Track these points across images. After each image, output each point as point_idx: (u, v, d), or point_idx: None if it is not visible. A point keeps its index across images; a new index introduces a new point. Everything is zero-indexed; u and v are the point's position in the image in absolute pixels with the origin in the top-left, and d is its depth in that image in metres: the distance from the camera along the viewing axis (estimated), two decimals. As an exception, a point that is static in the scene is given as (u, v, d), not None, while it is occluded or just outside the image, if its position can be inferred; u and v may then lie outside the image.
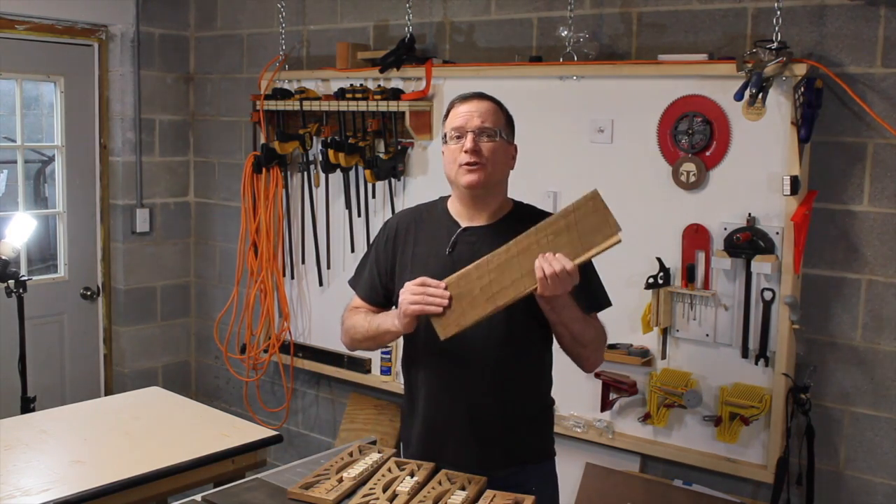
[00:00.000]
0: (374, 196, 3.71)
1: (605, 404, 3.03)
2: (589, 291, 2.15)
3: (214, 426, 2.85)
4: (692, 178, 2.84)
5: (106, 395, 4.43)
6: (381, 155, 3.58)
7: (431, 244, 2.23)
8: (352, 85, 3.63)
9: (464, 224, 2.22)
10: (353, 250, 3.77)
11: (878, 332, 2.66)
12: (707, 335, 2.86)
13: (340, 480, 2.10)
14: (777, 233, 2.70)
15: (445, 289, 2.03)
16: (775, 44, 2.61)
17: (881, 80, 2.59)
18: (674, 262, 2.90)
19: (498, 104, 2.21)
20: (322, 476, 2.14)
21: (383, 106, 3.45)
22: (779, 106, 2.65)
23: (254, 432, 2.80)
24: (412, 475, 2.11)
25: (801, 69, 2.58)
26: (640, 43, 3.04)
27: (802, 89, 2.59)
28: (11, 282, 3.41)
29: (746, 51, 2.71)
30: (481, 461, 2.15)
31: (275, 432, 2.81)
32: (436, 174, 3.47)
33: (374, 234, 2.40)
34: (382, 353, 3.67)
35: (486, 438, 2.18)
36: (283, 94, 3.84)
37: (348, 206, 3.77)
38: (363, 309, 2.33)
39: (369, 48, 3.78)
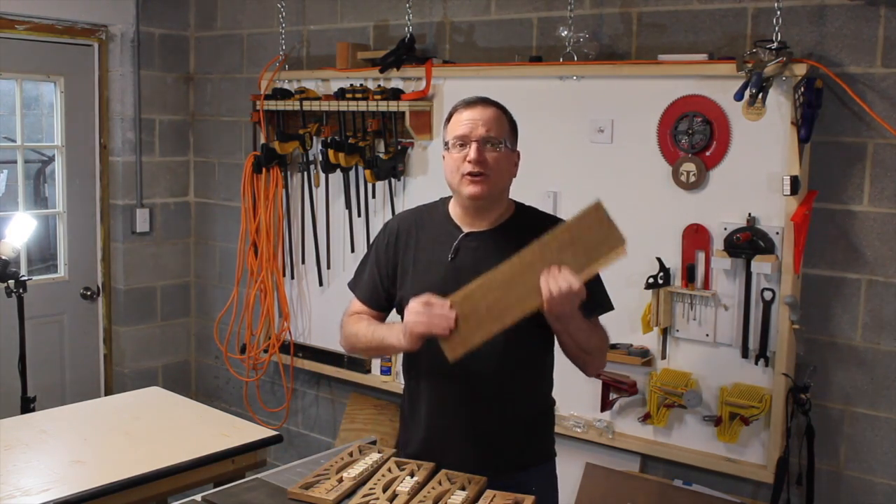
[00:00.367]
0: (374, 196, 3.71)
1: (605, 404, 3.03)
2: (592, 295, 2.10)
3: (214, 426, 2.85)
4: (692, 178, 2.84)
5: (106, 395, 4.43)
6: (381, 155, 3.58)
7: (433, 250, 2.19)
8: (352, 85, 3.63)
9: (466, 229, 2.18)
10: (353, 250, 3.77)
11: (878, 332, 2.66)
12: (707, 335, 2.86)
13: (340, 480, 2.10)
14: (777, 233, 2.70)
15: (451, 308, 1.99)
16: (775, 44, 2.61)
17: (881, 80, 2.59)
18: (674, 262, 2.91)
19: (502, 110, 2.17)
20: (322, 476, 2.14)
21: (383, 106, 3.45)
22: (779, 106, 2.65)
23: (254, 432, 2.80)
24: (412, 475, 2.11)
25: (801, 69, 2.58)
26: (640, 43, 3.04)
27: (802, 89, 2.59)
28: (11, 282, 3.41)
29: (746, 51, 2.71)
30: (483, 466, 2.13)
31: (275, 432, 2.81)
32: (436, 174, 3.47)
33: (374, 234, 2.39)
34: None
35: (489, 443, 2.17)
36: (283, 94, 3.84)
37: (348, 206, 3.77)
38: (365, 316, 2.29)
39: (369, 48, 3.78)
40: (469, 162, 2.08)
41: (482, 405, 2.16)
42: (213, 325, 4.42)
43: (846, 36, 2.63)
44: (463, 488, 2.06)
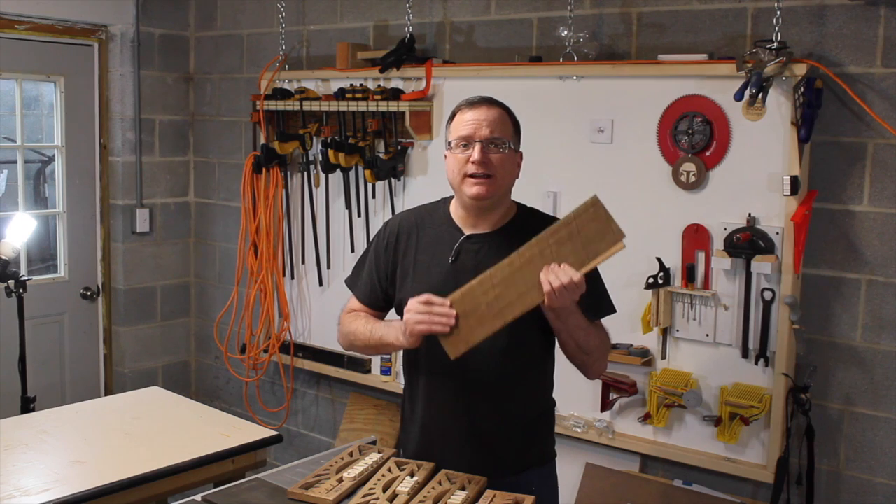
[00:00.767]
0: (374, 196, 3.71)
1: (605, 404, 3.03)
2: (593, 298, 2.10)
3: (214, 426, 2.85)
4: (692, 178, 2.84)
5: (106, 395, 4.43)
6: (381, 155, 3.58)
7: (434, 251, 2.18)
8: (352, 85, 3.63)
9: (467, 231, 2.17)
10: (353, 250, 3.77)
11: (878, 332, 2.66)
12: (707, 335, 2.86)
13: (340, 480, 2.10)
14: (777, 233, 2.70)
15: (451, 306, 1.99)
16: (775, 44, 2.61)
17: (881, 80, 2.59)
18: (674, 262, 2.91)
19: (506, 110, 2.16)
20: (322, 476, 2.14)
21: (383, 106, 3.45)
22: (779, 106, 2.65)
23: (254, 432, 2.80)
24: (412, 475, 2.11)
25: (801, 69, 2.58)
26: (640, 43, 3.04)
27: (802, 89, 2.59)
28: (11, 282, 3.41)
29: (746, 51, 2.71)
30: (483, 468, 2.13)
31: (275, 432, 2.81)
32: (436, 174, 3.47)
33: (373, 234, 2.38)
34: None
35: (488, 445, 2.17)
36: (283, 94, 3.84)
37: (348, 206, 3.77)
38: (363, 314, 2.28)
39: (369, 48, 3.78)
40: (473, 163, 2.07)
41: (482, 406, 2.16)
42: (213, 325, 4.42)
43: (846, 36, 2.63)
44: (463, 488, 2.06)
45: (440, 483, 2.08)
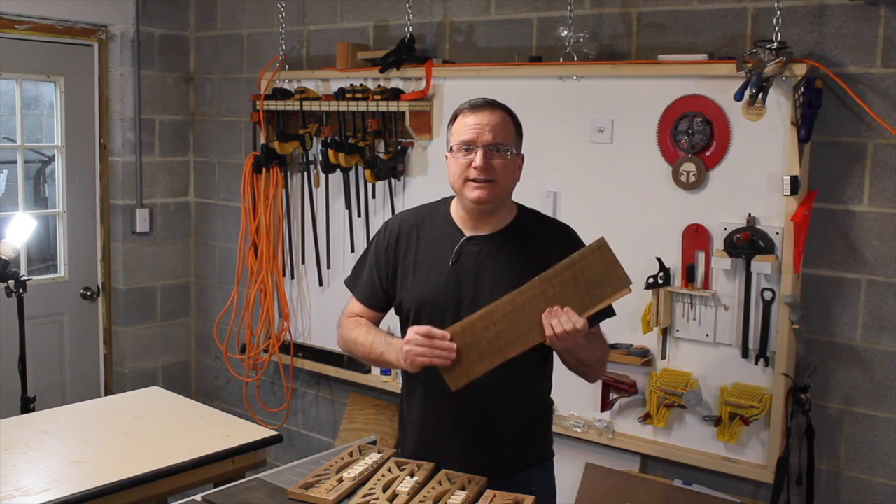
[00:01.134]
0: (374, 196, 3.71)
1: (605, 404, 3.03)
2: None
3: (214, 426, 2.85)
4: (692, 178, 2.84)
5: (106, 395, 4.43)
6: (381, 155, 3.58)
7: (434, 253, 2.18)
8: (352, 85, 3.63)
9: (468, 233, 2.17)
10: (353, 250, 3.77)
11: (878, 332, 2.66)
12: (707, 335, 2.86)
13: (340, 480, 2.10)
14: (777, 233, 2.70)
15: (451, 339, 1.99)
16: (775, 44, 2.61)
17: (881, 80, 2.59)
18: (674, 262, 2.90)
19: (509, 113, 2.15)
20: (322, 476, 2.14)
21: (383, 106, 3.45)
22: (779, 106, 2.65)
23: (254, 432, 2.80)
24: (412, 475, 2.11)
25: (801, 69, 2.58)
26: (640, 43, 3.04)
27: (802, 89, 2.59)
28: (11, 282, 3.41)
29: (746, 51, 2.71)
30: (481, 468, 2.13)
31: (275, 432, 2.81)
32: (436, 174, 3.47)
33: (373, 234, 2.38)
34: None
35: (487, 445, 2.17)
36: (283, 94, 3.84)
37: (348, 206, 3.77)
38: (364, 320, 2.27)
39: (369, 48, 3.78)
40: (475, 168, 2.06)
41: (480, 406, 2.16)
42: (213, 325, 4.42)
43: (846, 36, 2.63)
44: (463, 488, 2.06)
45: (440, 483, 2.08)
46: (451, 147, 2.13)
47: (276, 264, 4.04)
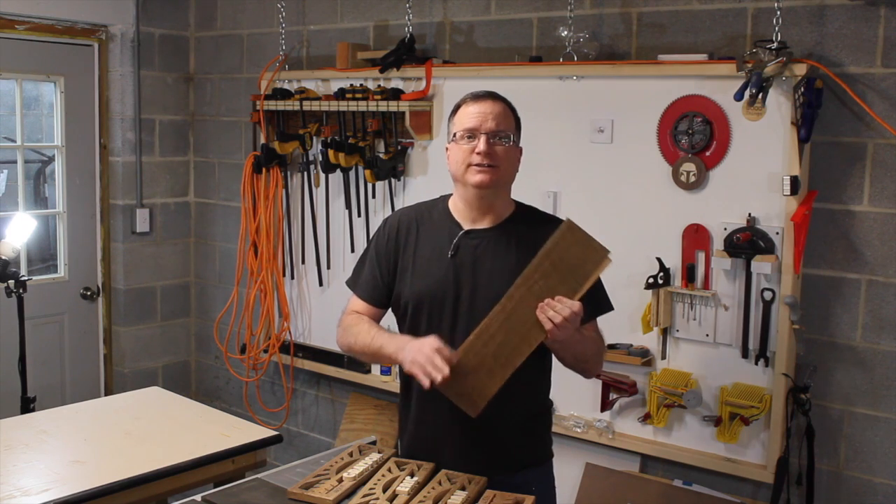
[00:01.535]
0: (374, 196, 3.71)
1: (605, 404, 3.03)
2: (590, 297, 2.10)
3: (214, 426, 2.85)
4: (692, 178, 2.84)
5: (106, 395, 4.43)
6: (381, 155, 3.58)
7: (433, 246, 2.20)
8: (352, 85, 3.63)
9: (466, 226, 2.19)
10: (353, 250, 3.77)
11: (878, 332, 2.66)
12: (707, 335, 2.86)
13: (340, 480, 2.10)
14: (777, 233, 2.70)
15: (458, 365, 1.97)
16: (775, 44, 2.61)
17: (881, 80, 2.59)
18: (674, 262, 2.90)
19: (509, 105, 2.19)
20: (322, 476, 2.14)
21: (383, 106, 3.45)
22: (779, 106, 2.65)
23: (254, 432, 2.80)
24: (412, 475, 2.11)
25: (801, 69, 2.58)
26: (640, 43, 3.04)
27: (802, 89, 2.59)
28: (11, 282, 3.41)
29: (746, 51, 2.71)
30: (480, 465, 2.14)
31: (275, 432, 2.81)
32: (436, 174, 3.47)
33: (373, 233, 2.39)
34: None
35: (485, 442, 2.17)
36: (283, 94, 3.84)
37: (348, 206, 3.77)
38: (365, 318, 2.28)
39: (369, 48, 3.78)
40: (478, 153, 2.10)
41: None
42: (213, 325, 4.42)
43: (846, 36, 2.63)
44: (463, 488, 2.06)
45: (440, 483, 2.08)
46: (455, 135, 2.16)
47: (276, 264, 4.04)
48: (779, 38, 2.64)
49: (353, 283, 2.36)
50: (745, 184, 2.76)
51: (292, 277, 4.07)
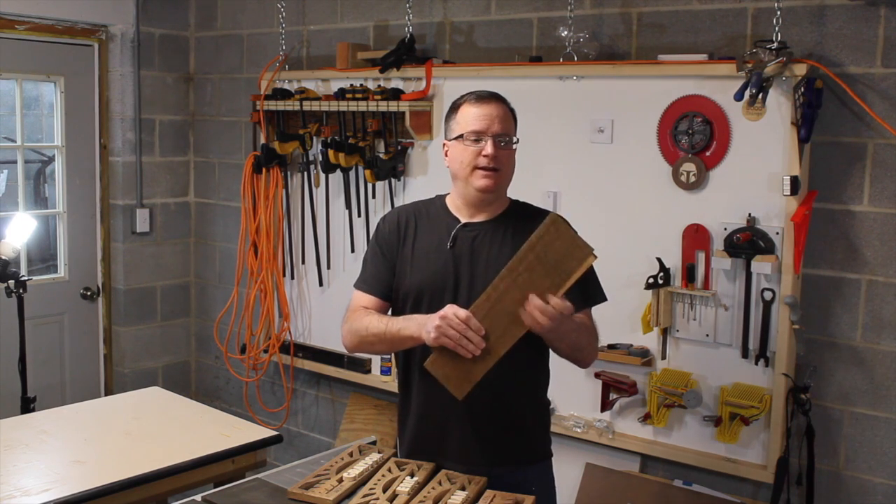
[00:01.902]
0: (374, 196, 3.71)
1: (605, 404, 3.03)
2: (584, 287, 2.13)
3: (214, 426, 2.85)
4: (692, 178, 2.83)
5: (106, 395, 4.43)
6: (381, 155, 3.58)
7: (432, 239, 2.24)
8: (352, 85, 3.63)
9: (463, 220, 2.23)
10: (353, 250, 3.78)
11: (878, 332, 2.66)
12: (707, 335, 2.86)
13: (340, 480, 2.10)
14: (777, 233, 2.70)
15: (442, 352, 2.01)
16: (775, 44, 2.61)
17: (881, 80, 2.59)
18: (674, 262, 2.90)
19: (509, 106, 2.24)
20: (322, 476, 2.14)
21: (383, 106, 3.45)
22: (779, 106, 2.65)
23: (254, 432, 2.80)
24: (412, 475, 2.11)
25: (801, 69, 2.58)
26: (640, 43, 3.04)
27: (802, 89, 2.59)
28: (11, 282, 3.41)
29: (746, 51, 2.71)
30: (478, 460, 2.15)
31: (275, 432, 2.82)
32: (435, 174, 3.47)
33: (373, 233, 2.39)
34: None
35: (483, 436, 2.19)
36: (283, 95, 3.84)
37: (348, 206, 3.77)
38: (374, 311, 2.28)
39: (369, 48, 3.78)
40: (485, 157, 2.13)
41: (476, 399, 2.16)
42: (213, 325, 4.42)
43: (846, 36, 2.63)
44: (463, 488, 2.06)
45: (440, 483, 2.08)
46: (460, 135, 2.18)
47: (276, 264, 4.04)
48: (779, 38, 2.64)
49: (358, 281, 2.37)
50: (745, 184, 2.76)
51: (292, 277, 4.07)
